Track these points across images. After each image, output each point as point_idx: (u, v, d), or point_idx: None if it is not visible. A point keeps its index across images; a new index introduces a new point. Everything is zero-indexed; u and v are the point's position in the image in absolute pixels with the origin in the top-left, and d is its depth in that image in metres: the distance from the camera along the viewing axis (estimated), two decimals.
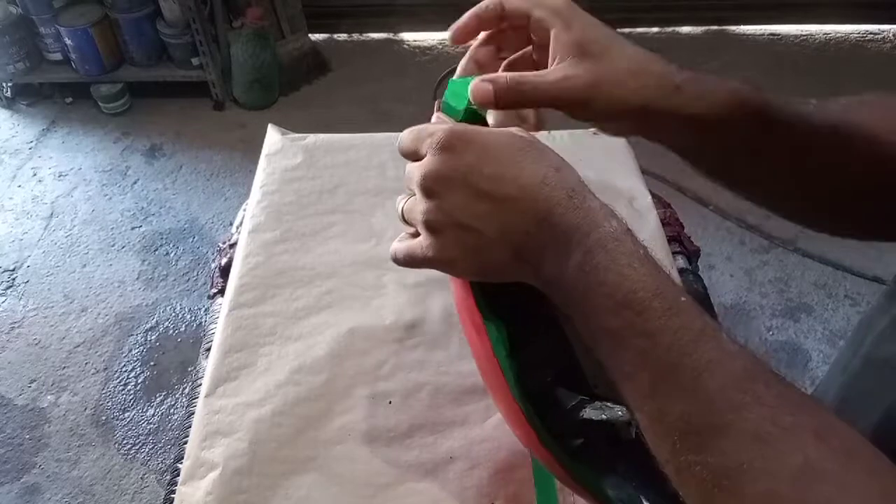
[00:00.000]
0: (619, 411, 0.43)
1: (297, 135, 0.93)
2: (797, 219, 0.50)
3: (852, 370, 0.49)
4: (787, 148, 0.44)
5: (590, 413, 0.43)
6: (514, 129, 0.40)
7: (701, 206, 2.05)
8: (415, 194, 0.40)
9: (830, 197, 0.46)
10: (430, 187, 0.38)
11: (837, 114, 0.44)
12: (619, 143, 0.94)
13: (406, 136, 0.41)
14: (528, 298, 0.43)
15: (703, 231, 1.97)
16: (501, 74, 0.43)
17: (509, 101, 0.42)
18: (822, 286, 1.86)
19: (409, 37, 2.70)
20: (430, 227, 0.39)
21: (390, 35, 2.72)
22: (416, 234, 0.42)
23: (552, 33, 0.43)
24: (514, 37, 0.47)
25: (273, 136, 0.93)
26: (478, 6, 0.45)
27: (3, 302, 1.84)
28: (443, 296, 0.73)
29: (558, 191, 0.36)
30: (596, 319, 0.35)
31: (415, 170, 0.39)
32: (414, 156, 0.40)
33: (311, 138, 0.93)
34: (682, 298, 0.33)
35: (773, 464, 0.29)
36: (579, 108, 0.42)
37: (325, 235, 0.81)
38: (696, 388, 0.31)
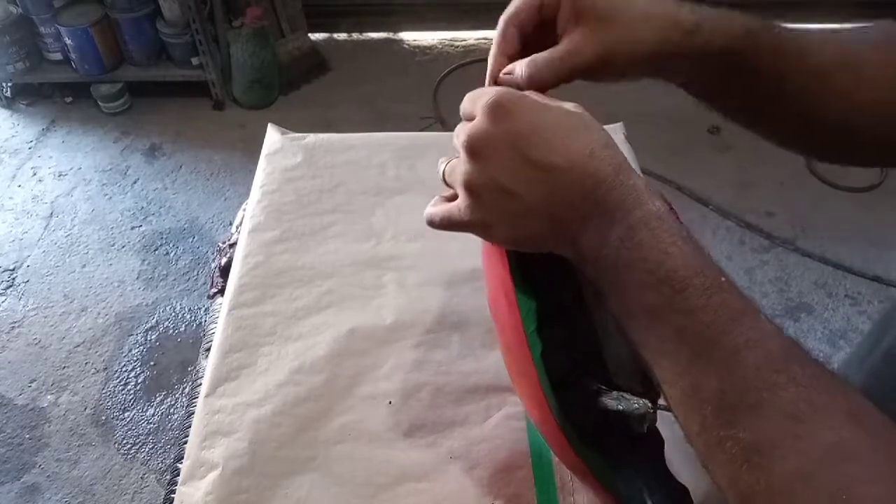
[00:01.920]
0: (635, 404, 0.42)
1: (296, 134, 0.93)
2: (813, 151, 0.51)
3: (871, 365, 0.49)
4: (799, 81, 0.44)
5: (606, 402, 0.43)
6: (566, 104, 0.39)
7: (701, 206, 2.05)
8: (458, 155, 0.39)
9: (844, 126, 0.46)
10: (476, 148, 0.37)
11: (847, 43, 0.45)
12: (619, 143, 0.93)
13: (466, 98, 0.41)
14: (556, 280, 0.43)
15: (702, 231, 1.97)
16: (513, 76, 0.43)
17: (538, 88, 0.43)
18: (822, 286, 1.86)
19: (409, 37, 2.70)
20: (471, 188, 0.38)
21: (390, 35, 2.72)
22: (452, 198, 0.41)
23: (561, 5, 0.43)
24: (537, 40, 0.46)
25: (273, 136, 0.93)
26: (509, 15, 0.44)
27: (3, 302, 1.84)
28: (443, 296, 0.73)
29: (605, 166, 0.36)
30: (634, 295, 0.35)
31: (462, 130, 0.38)
32: (470, 118, 0.39)
33: (311, 138, 0.93)
34: (723, 279, 0.33)
35: (806, 443, 0.29)
36: (596, 73, 0.43)
37: (325, 235, 0.81)
38: (733, 365, 0.31)
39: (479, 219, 0.39)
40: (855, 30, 0.46)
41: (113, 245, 1.98)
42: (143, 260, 1.94)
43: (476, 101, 0.39)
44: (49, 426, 1.59)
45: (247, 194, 0.87)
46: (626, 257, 0.34)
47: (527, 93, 0.40)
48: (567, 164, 0.36)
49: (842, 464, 0.28)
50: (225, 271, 0.80)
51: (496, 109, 0.37)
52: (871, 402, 0.39)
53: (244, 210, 0.86)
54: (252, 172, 0.89)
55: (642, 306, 0.34)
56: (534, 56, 0.43)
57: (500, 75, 0.44)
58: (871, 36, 0.46)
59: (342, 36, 2.72)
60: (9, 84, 2.40)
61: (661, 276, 0.33)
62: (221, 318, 0.72)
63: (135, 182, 2.17)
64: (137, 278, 1.89)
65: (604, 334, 0.45)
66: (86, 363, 1.70)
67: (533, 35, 0.45)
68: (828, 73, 0.44)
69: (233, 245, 0.83)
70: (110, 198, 2.12)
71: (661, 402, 0.43)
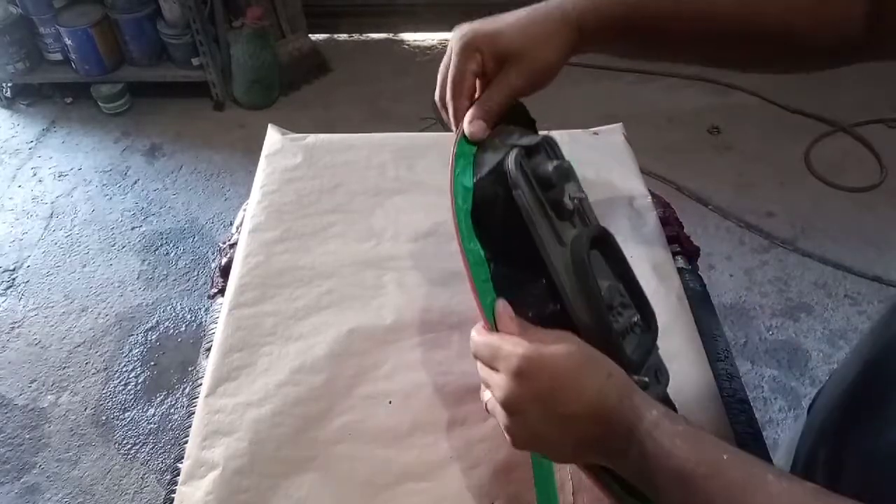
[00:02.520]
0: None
1: (296, 135, 0.93)
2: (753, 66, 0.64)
3: (873, 356, 0.50)
4: (691, 27, 0.56)
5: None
6: (568, 343, 0.46)
7: (701, 206, 2.05)
8: (493, 393, 0.49)
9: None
10: (511, 408, 0.47)
11: None
12: (618, 143, 0.94)
13: (483, 348, 0.50)
14: (522, 248, 0.50)
15: (702, 231, 1.97)
16: (474, 120, 0.55)
17: (491, 121, 0.55)
18: (822, 286, 1.86)
19: (409, 37, 2.70)
20: (511, 432, 0.48)
21: (390, 35, 2.72)
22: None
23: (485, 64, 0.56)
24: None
25: (273, 136, 0.93)
26: (456, 90, 0.56)
27: (4, 302, 1.84)
28: (443, 296, 0.73)
29: (612, 398, 0.44)
30: (659, 492, 0.43)
31: (496, 388, 0.48)
32: (488, 364, 0.49)
33: (311, 138, 0.93)
34: (725, 456, 0.40)
35: None
36: (530, 89, 0.56)
37: (325, 235, 0.81)
38: None
39: (517, 445, 0.49)
40: None
41: (113, 245, 1.98)
42: (144, 260, 1.94)
43: (496, 360, 0.48)
44: (49, 426, 1.59)
45: (247, 194, 0.87)
46: (645, 465, 0.42)
47: (526, 333, 0.48)
48: (583, 409, 0.44)
49: None
50: (225, 271, 0.80)
51: (520, 375, 0.45)
52: (879, 391, 0.45)
53: (244, 210, 0.86)
54: (252, 173, 0.89)
55: (667, 498, 0.42)
56: (483, 101, 0.55)
57: (469, 122, 0.55)
58: None
59: (342, 36, 2.72)
60: (9, 84, 2.40)
61: (673, 475, 0.41)
62: (222, 318, 0.72)
63: (135, 182, 2.17)
64: (138, 278, 1.89)
65: (571, 302, 0.49)
66: (86, 363, 1.70)
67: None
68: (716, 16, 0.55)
69: (233, 245, 0.83)
70: (110, 198, 2.12)
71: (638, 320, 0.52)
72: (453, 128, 0.58)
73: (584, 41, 0.55)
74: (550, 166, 0.51)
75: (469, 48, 0.55)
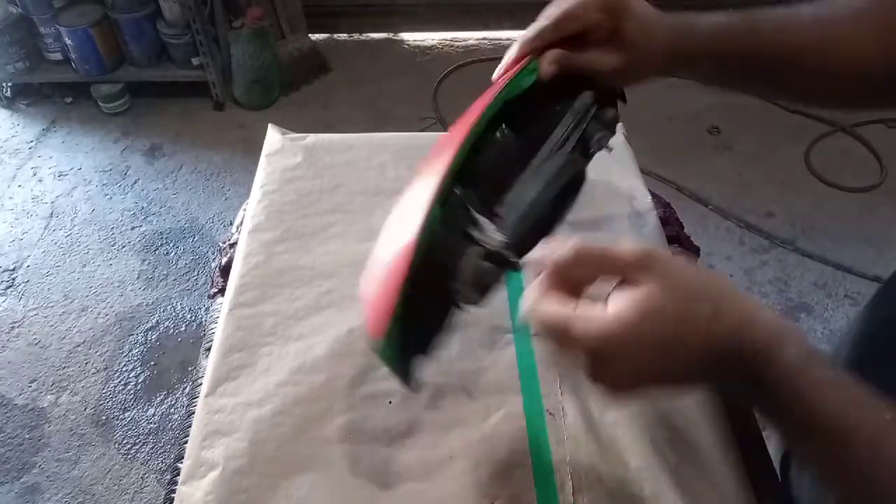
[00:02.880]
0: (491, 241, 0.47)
1: (297, 135, 0.93)
2: (828, 103, 0.62)
3: (866, 332, 0.51)
4: (780, 60, 0.54)
5: (467, 259, 0.47)
6: (641, 308, 0.36)
7: (701, 206, 2.05)
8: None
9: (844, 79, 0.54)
10: (612, 388, 0.38)
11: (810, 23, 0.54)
12: (618, 143, 0.94)
13: (548, 327, 0.39)
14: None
15: (702, 231, 1.97)
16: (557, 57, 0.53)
17: (562, 70, 0.52)
18: (822, 286, 1.86)
19: (409, 37, 2.70)
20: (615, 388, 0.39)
21: (390, 35, 2.72)
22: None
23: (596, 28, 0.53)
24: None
25: (273, 136, 0.93)
26: (526, 39, 0.54)
27: (3, 302, 1.84)
28: None
29: (724, 344, 0.36)
30: (792, 439, 0.38)
31: (586, 372, 0.38)
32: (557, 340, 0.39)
33: (311, 138, 0.93)
34: (888, 416, 0.34)
35: None
36: (612, 79, 0.55)
37: (325, 235, 0.81)
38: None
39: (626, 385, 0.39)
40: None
41: (113, 245, 1.98)
42: (144, 260, 1.94)
43: (565, 342, 0.38)
44: (49, 426, 1.59)
45: (247, 194, 0.87)
46: (778, 410, 0.36)
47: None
48: (697, 364, 0.37)
49: None
50: (225, 271, 0.80)
51: (601, 363, 0.37)
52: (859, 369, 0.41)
53: (244, 210, 0.86)
54: (252, 172, 0.89)
55: (802, 448, 0.37)
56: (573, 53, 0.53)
57: (546, 59, 0.52)
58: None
59: (342, 36, 2.72)
60: (9, 84, 2.40)
61: (814, 428, 0.34)
62: (222, 317, 0.72)
63: (135, 182, 2.17)
64: (138, 278, 1.89)
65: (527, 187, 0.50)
66: (86, 363, 1.70)
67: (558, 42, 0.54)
68: (805, 51, 0.53)
69: (233, 245, 0.83)
70: (110, 198, 2.12)
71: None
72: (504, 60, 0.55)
73: (679, 54, 0.54)
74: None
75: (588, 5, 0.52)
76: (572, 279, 0.39)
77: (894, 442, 0.33)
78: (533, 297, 0.40)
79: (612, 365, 0.37)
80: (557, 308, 0.38)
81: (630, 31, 0.52)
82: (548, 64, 0.52)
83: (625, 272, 0.37)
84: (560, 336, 0.38)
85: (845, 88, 0.54)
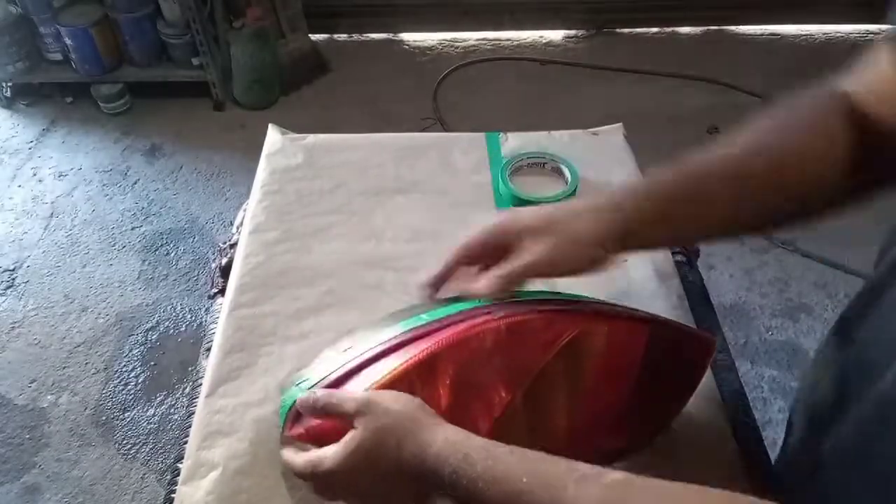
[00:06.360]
0: None
1: (297, 135, 0.93)
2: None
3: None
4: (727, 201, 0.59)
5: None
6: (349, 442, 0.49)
7: None
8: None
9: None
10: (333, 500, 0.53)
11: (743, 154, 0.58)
12: (618, 143, 0.94)
13: (295, 469, 0.53)
14: None
15: None
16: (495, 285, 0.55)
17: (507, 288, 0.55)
18: (822, 286, 1.86)
19: (409, 37, 2.70)
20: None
21: (390, 35, 2.72)
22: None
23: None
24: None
25: (273, 136, 0.93)
26: (456, 256, 0.59)
27: (3, 302, 1.84)
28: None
29: (411, 463, 0.46)
30: None
31: (315, 490, 0.53)
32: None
33: (311, 138, 0.93)
34: (524, 479, 0.42)
35: None
36: (555, 266, 0.55)
37: (326, 235, 0.81)
38: None
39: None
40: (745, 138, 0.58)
41: (113, 245, 1.98)
42: (144, 260, 1.94)
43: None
44: (49, 426, 1.59)
45: (247, 194, 0.87)
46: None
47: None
48: (398, 473, 0.47)
49: None
50: (225, 271, 0.80)
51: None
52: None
53: (245, 210, 0.86)
54: (252, 173, 0.89)
55: None
56: (497, 270, 0.55)
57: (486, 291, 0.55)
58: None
59: (343, 37, 2.72)
60: (9, 84, 2.40)
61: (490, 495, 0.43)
62: (222, 318, 0.72)
63: (135, 182, 2.17)
64: (138, 278, 1.89)
65: None
66: (86, 363, 1.70)
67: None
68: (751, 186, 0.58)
69: (233, 245, 0.83)
70: (111, 198, 2.12)
71: None
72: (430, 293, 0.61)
73: (631, 235, 0.56)
74: None
75: (502, 225, 0.57)
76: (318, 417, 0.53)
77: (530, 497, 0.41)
78: (286, 452, 0.55)
79: (332, 487, 0.51)
80: (295, 456, 0.53)
81: (562, 252, 0.55)
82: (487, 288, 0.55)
83: (347, 417, 0.49)
84: (302, 472, 0.52)
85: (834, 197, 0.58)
